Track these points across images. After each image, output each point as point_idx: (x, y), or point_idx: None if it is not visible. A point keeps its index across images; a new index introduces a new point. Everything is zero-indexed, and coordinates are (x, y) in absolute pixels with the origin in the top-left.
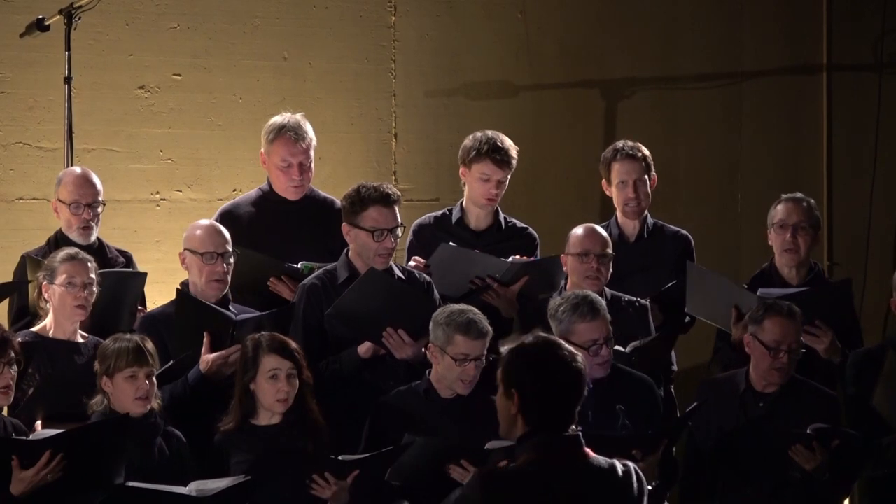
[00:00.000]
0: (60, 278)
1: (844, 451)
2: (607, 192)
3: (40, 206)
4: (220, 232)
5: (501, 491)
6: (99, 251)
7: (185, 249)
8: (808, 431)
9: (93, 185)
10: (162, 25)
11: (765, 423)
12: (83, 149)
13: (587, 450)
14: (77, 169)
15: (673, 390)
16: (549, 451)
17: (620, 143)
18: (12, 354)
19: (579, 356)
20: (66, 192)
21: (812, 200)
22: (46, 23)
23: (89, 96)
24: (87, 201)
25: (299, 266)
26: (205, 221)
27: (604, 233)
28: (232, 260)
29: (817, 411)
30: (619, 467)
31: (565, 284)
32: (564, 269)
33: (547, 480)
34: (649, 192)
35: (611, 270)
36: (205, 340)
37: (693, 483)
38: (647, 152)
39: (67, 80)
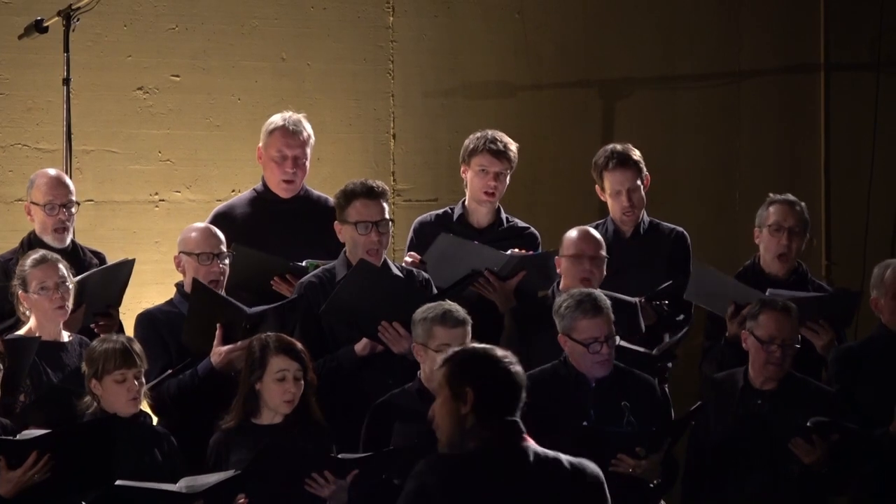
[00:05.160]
0: (33, 285)
1: (843, 447)
2: (602, 198)
3: None
4: (214, 234)
5: (450, 473)
6: (73, 253)
7: (180, 252)
8: (807, 424)
9: (66, 185)
10: (160, 27)
11: (763, 419)
12: (82, 150)
13: (526, 436)
14: (50, 170)
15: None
16: (491, 436)
17: (610, 148)
18: None
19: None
20: (39, 193)
21: (803, 203)
22: (45, 24)
23: (88, 98)
24: (61, 201)
25: (304, 264)
26: (199, 224)
27: (597, 235)
28: (227, 261)
29: (815, 408)
30: (564, 459)
31: (558, 285)
32: (558, 270)
33: (489, 465)
34: (643, 196)
35: (604, 273)
36: (217, 333)
37: (696, 480)
38: (638, 155)
39: (66, 81)
